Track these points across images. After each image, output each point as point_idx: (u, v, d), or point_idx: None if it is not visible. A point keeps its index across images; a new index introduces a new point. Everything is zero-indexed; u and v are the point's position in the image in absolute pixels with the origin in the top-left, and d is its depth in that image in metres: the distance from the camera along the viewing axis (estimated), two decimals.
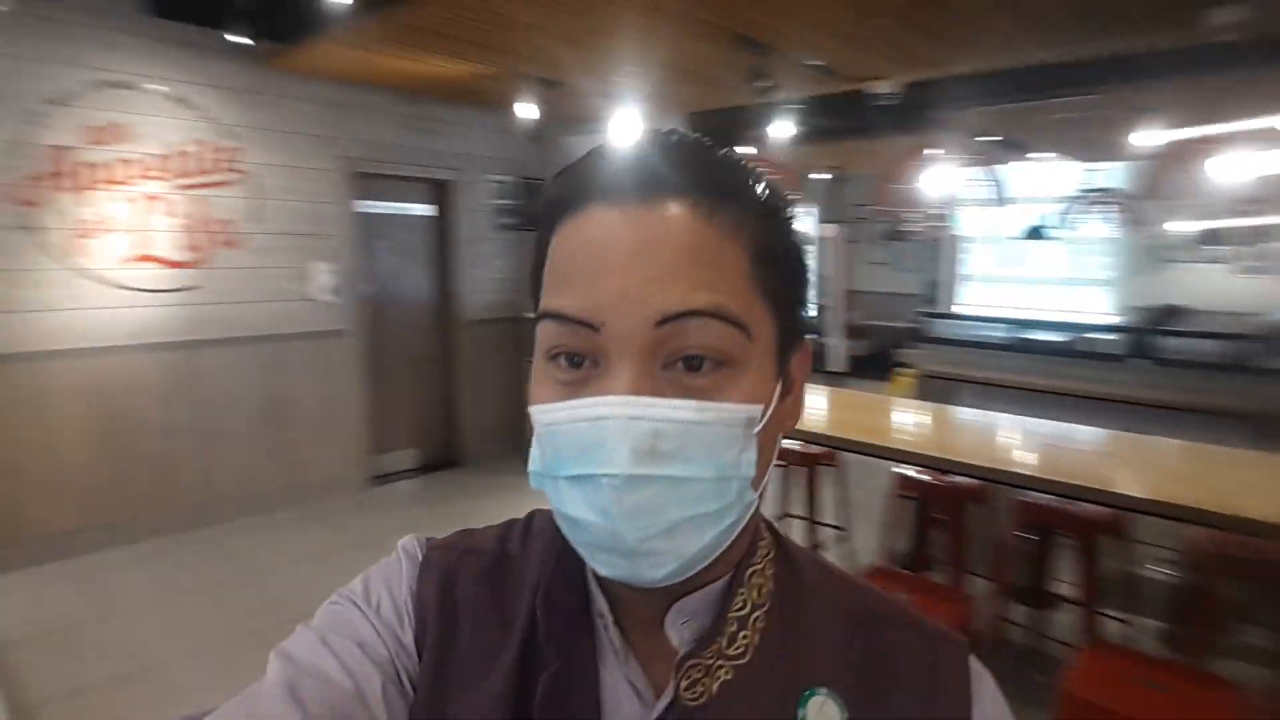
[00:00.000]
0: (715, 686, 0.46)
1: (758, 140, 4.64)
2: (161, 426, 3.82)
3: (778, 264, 0.46)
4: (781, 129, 4.26)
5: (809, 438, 2.74)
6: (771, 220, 0.46)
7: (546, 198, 0.47)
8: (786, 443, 3.09)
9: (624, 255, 0.42)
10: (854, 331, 8.48)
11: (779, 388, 0.47)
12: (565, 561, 0.50)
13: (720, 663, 0.47)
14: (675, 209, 0.42)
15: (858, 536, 3.30)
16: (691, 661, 0.46)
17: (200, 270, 3.87)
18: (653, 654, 0.49)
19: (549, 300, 0.44)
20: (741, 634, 0.48)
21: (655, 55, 3.59)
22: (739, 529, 0.46)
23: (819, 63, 3.64)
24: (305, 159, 4.24)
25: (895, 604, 0.53)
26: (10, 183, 3.26)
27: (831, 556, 1.09)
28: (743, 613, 0.48)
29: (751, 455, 0.44)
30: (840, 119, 4.78)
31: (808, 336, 0.50)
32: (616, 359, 0.42)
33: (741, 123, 4.77)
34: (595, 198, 0.44)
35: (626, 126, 4.14)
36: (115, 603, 3.21)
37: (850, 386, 6.07)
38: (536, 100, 4.15)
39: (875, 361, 7.60)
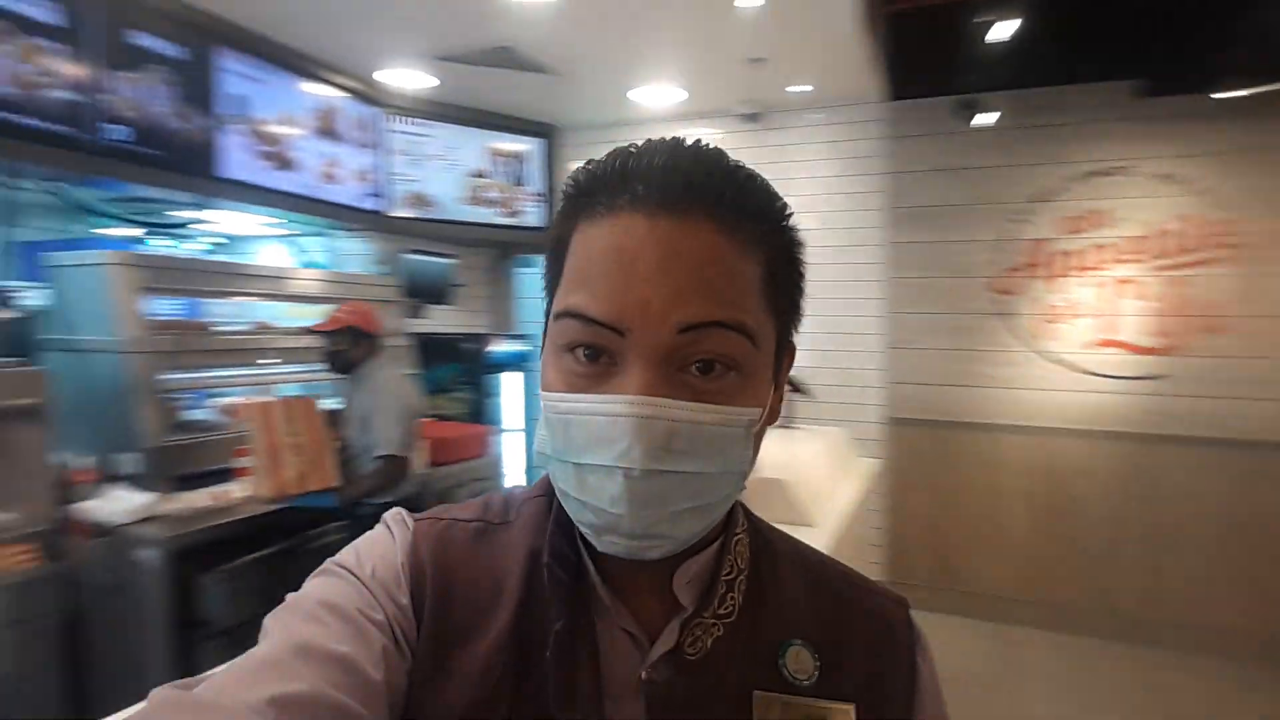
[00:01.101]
0: (710, 642, 0.51)
1: None
2: (1106, 519, 3.63)
3: (784, 279, 0.50)
4: None
5: None
6: (782, 237, 0.49)
7: (568, 191, 0.49)
8: None
9: (652, 266, 0.44)
10: None
11: (772, 389, 0.51)
12: (562, 528, 0.53)
13: (714, 621, 0.52)
14: (701, 223, 0.45)
15: None
16: (696, 621, 0.51)
17: (1171, 358, 3.51)
18: (639, 610, 0.52)
19: (573, 299, 0.46)
20: (730, 595, 0.53)
21: None
22: (725, 511, 0.51)
23: None
24: None
25: (845, 568, 0.61)
26: (992, 275, 3.77)
27: None
28: (730, 577, 0.54)
29: (750, 452, 0.48)
30: None
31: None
32: (636, 360, 0.45)
33: None
34: (624, 202, 0.45)
35: None
36: (1014, 677, 3.25)
37: None
38: None
39: None
